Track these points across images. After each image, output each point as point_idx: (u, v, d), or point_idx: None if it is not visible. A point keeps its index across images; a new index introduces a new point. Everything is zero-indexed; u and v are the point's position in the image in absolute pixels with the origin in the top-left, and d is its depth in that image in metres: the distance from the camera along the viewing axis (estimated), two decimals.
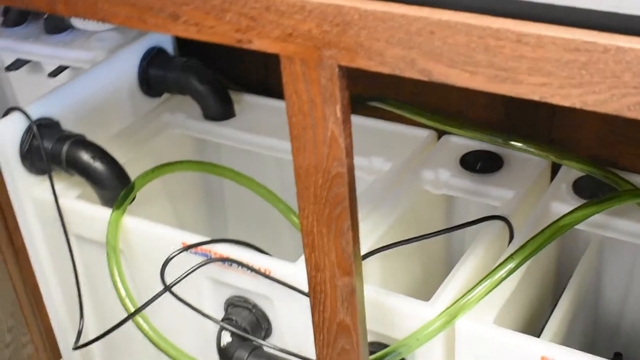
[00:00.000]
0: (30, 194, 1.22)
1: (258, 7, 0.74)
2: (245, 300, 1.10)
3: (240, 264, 1.05)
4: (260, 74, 1.48)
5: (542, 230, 0.98)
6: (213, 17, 0.77)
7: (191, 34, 0.80)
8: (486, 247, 1.05)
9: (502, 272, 0.95)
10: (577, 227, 1.07)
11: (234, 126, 1.36)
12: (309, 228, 0.84)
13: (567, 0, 0.62)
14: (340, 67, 0.74)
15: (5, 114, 1.19)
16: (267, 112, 1.39)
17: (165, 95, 1.42)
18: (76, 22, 1.36)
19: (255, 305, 1.10)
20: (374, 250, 1.06)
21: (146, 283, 1.16)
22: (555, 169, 1.20)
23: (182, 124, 1.38)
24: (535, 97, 0.65)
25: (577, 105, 0.64)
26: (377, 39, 0.69)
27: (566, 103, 0.64)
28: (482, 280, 0.95)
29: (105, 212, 1.16)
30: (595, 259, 1.17)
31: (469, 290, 0.94)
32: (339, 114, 0.76)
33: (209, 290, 1.13)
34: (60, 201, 1.18)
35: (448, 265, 1.28)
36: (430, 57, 0.68)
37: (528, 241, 0.97)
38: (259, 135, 1.34)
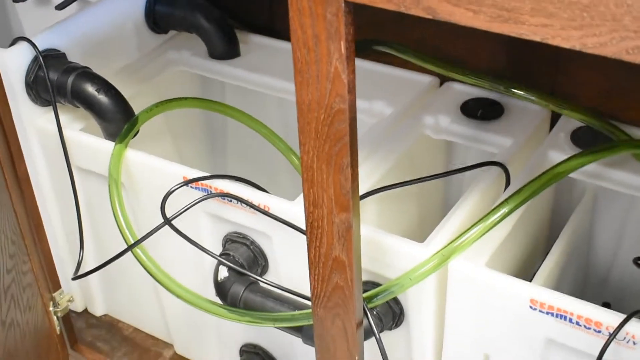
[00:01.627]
0: (35, 125, 1.23)
1: None
2: (244, 237, 1.12)
3: (239, 199, 1.06)
4: (265, 17, 1.49)
5: (538, 177, 0.99)
6: None
7: None
8: (482, 192, 1.06)
9: (496, 216, 0.97)
10: (573, 176, 1.09)
11: (239, 65, 1.36)
12: (309, 163, 0.85)
13: None
14: (347, 3, 0.74)
15: (12, 43, 1.19)
16: (273, 52, 1.39)
17: (171, 33, 1.42)
18: None
19: (253, 242, 1.12)
20: (373, 190, 1.08)
21: (146, 216, 1.18)
22: (554, 119, 1.21)
23: (186, 62, 1.39)
24: (537, 38, 0.66)
25: (577, 47, 0.64)
26: None
27: (566, 45, 0.65)
28: (476, 223, 0.96)
29: (108, 145, 1.17)
30: (589, 209, 1.18)
31: (463, 233, 0.96)
32: (343, 50, 0.77)
33: (208, 226, 1.14)
34: (64, 133, 1.20)
35: (444, 209, 1.30)
36: None
37: (523, 187, 0.99)
38: (263, 75, 1.34)
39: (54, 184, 1.28)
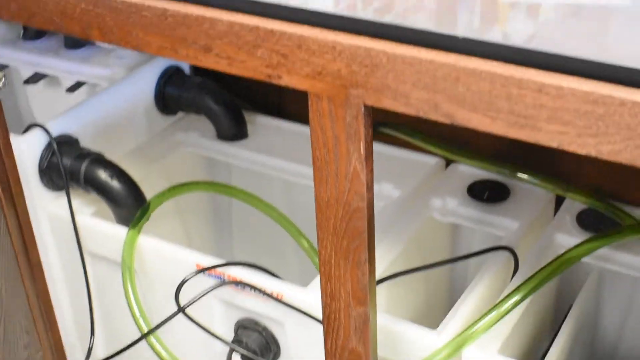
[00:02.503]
0: (46, 210, 1.24)
1: (290, 44, 0.77)
2: (256, 323, 1.13)
3: (253, 287, 1.07)
4: (273, 96, 1.51)
5: (548, 264, 1.01)
6: (245, 52, 0.80)
7: (222, 66, 0.83)
8: (492, 277, 1.08)
9: (509, 304, 0.98)
10: None
11: (247, 147, 1.39)
12: (326, 258, 0.87)
13: (587, 53, 0.66)
14: (366, 106, 0.77)
15: (26, 129, 1.21)
16: (280, 134, 1.41)
17: (180, 114, 1.45)
18: None
19: (265, 328, 1.12)
20: (385, 277, 1.09)
21: (158, 301, 1.19)
22: (559, 200, 1.23)
23: (194, 143, 1.41)
24: (554, 145, 0.68)
25: (593, 154, 0.67)
26: (404, 81, 0.73)
27: (582, 151, 0.67)
28: (488, 311, 0.98)
29: (121, 231, 1.19)
30: (595, 290, 1.20)
31: (476, 321, 0.97)
32: (362, 150, 0.79)
33: (220, 312, 1.15)
34: (77, 218, 1.21)
35: (451, 291, 1.31)
36: (453, 102, 0.71)
37: (534, 274, 1.00)
38: (270, 157, 1.36)
39: (64, 268, 1.29)
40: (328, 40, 0.75)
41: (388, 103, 0.75)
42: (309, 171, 1.34)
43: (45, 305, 1.19)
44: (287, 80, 0.79)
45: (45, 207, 1.24)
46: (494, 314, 0.97)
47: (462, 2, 0.77)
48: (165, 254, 1.16)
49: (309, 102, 0.80)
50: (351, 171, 0.80)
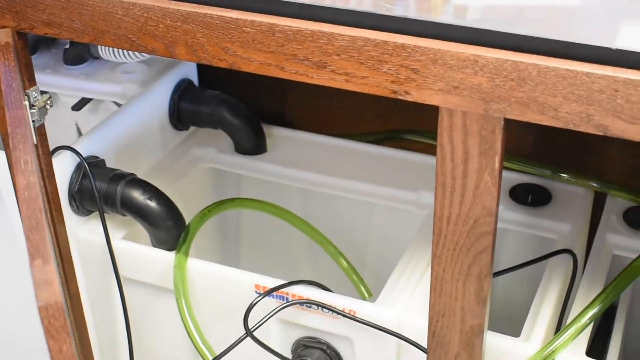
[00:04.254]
0: (75, 236, 1.17)
1: (423, 59, 0.75)
2: (318, 341, 1.09)
3: (323, 305, 1.04)
4: (276, 106, 1.47)
5: (623, 272, 1.02)
6: (367, 68, 0.77)
7: (337, 83, 0.79)
8: (560, 281, 1.08)
9: (590, 315, 0.99)
10: (620, 254, 1.12)
11: (267, 160, 1.34)
12: (441, 274, 0.85)
13: None
14: (507, 120, 0.75)
15: (52, 152, 1.14)
16: (293, 144, 1.38)
17: (191, 129, 1.39)
18: (103, 53, 1.31)
19: (328, 345, 1.09)
20: None
21: (209, 326, 1.13)
22: (596, 200, 1.24)
23: (213, 159, 1.36)
24: None
25: None
26: (554, 94, 0.71)
27: None
28: (572, 322, 0.98)
29: (160, 254, 1.14)
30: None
31: (562, 331, 0.97)
32: (496, 165, 0.77)
33: (278, 332, 1.11)
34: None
35: None
36: (609, 114, 0.70)
37: (610, 285, 1.01)
38: (290, 168, 1.32)
39: (90, 297, 1.22)
40: (469, 54, 0.73)
41: (533, 117, 0.73)
42: (327, 180, 1.31)
43: (82, 339, 1.12)
44: (416, 96, 0.77)
45: (73, 233, 1.17)
46: (577, 325, 0.98)
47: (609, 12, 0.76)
48: (219, 277, 1.11)
49: (439, 117, 0.77)
50: (481, 186, 0.78)
